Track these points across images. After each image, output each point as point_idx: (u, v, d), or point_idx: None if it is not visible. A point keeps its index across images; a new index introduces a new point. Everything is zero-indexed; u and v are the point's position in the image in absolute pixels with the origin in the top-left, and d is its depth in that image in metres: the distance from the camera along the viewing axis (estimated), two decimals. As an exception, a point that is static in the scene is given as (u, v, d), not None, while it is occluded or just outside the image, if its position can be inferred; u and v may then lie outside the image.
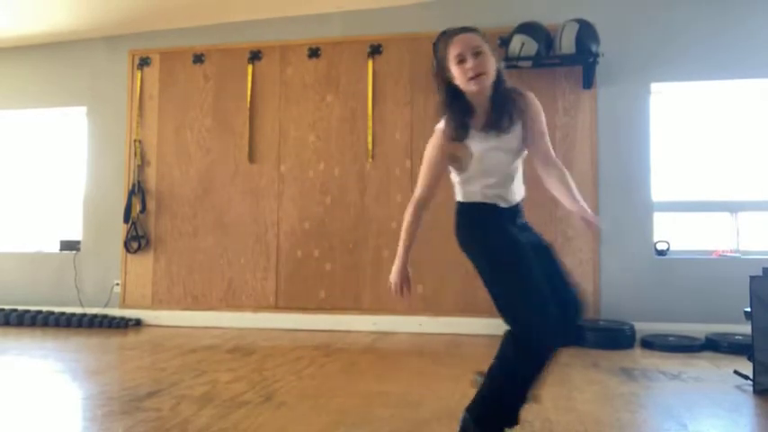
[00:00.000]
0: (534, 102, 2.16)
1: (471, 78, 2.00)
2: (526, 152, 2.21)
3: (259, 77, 5.32)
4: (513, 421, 2.12)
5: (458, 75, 2.03)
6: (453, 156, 2.13)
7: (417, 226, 2.26)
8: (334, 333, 4.79)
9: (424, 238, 5.02)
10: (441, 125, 2.13)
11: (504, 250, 2.08)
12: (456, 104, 2.08)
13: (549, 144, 2.20)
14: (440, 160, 2.17)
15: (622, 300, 4.60)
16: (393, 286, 2.17)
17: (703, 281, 4.51)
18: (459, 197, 2.25)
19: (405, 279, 2.19)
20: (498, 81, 2.09)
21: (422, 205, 2.25)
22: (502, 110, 2.08)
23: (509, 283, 2.05)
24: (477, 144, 2.08)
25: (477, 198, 2.17)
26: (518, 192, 2.26)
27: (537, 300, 1.97)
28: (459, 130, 2.06)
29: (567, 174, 2.16)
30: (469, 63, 2.01)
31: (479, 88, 2.03)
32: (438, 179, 2.21)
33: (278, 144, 5.23)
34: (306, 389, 3.08)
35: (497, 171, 2.14)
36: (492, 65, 2.05)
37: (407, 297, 2.18)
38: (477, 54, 2.02)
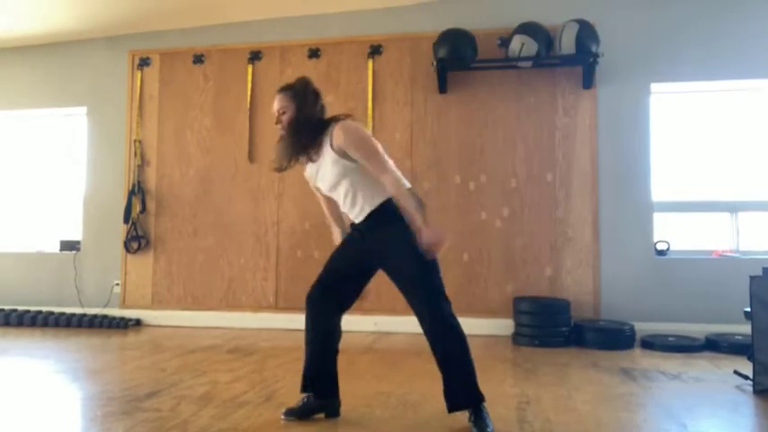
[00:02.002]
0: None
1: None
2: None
3: (259, 77, 5.32)
4: None
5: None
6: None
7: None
8: (335, 333, 4.79)
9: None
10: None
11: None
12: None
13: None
14: None
15: (622, 300, 4.61)
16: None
17: (703, 281, 4.52)
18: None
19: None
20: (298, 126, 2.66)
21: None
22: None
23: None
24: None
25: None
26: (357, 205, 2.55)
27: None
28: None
29: None
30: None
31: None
32: None
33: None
34: (306, 389, 3.08)
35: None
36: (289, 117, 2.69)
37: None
38: (283, 113, 2.71)
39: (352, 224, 2.61)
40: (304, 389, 2.56)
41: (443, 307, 2.43)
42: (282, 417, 2.53)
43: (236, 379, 3.26)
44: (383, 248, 2.48)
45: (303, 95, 2.68)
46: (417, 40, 5.02)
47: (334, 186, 2.54)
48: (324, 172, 2.56)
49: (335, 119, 2.57)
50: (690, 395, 3.02)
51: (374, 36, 5.13)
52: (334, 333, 2.65)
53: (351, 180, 2.49)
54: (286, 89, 2.75)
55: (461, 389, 2.38)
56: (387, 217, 2.46)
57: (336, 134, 2.48)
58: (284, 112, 2.69)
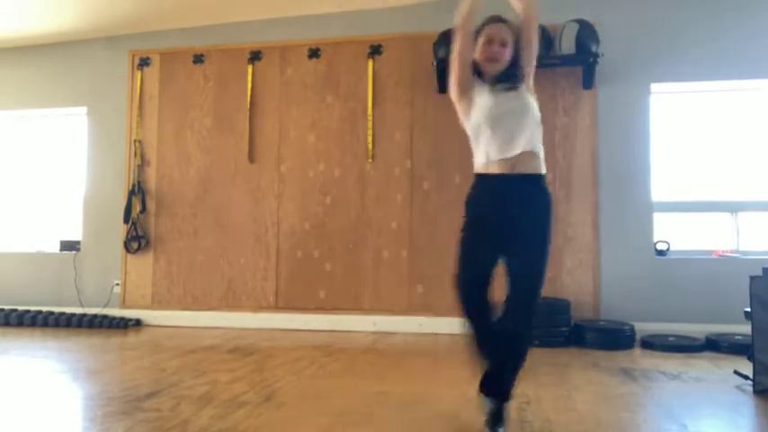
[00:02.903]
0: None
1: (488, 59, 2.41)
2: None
3: (259, 78, 5.32)
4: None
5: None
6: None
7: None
8: (335, 333, 4.79)
9: (425, 238, 5.03)
10: None
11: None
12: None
13: None
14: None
15: (622, 300, 4.60)
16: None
17: (703, 281, 4.51)
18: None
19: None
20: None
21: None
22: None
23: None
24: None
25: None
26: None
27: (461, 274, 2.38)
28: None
29: None
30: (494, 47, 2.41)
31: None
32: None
33: (278, 144, 5.23)
34: (306, 389, 3.08)
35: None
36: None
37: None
38: (503, 45, 2.42)
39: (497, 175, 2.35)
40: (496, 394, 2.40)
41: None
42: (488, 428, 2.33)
43: (236, 379, 3.26)
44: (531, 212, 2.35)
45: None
46: (417, 40, 5.02)
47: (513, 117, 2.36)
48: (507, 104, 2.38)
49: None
50: (690, 395, 3.02)
51: (374, 36, 5.13)
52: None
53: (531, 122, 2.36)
54: (506, 22, 2.51)
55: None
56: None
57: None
58: (504, 45, 2.43)
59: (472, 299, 2.37)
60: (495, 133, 2.34)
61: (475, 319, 2.38)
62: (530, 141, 2.33)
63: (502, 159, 2.32)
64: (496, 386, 2.36)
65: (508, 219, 2.31)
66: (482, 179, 2.41)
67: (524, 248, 2.31)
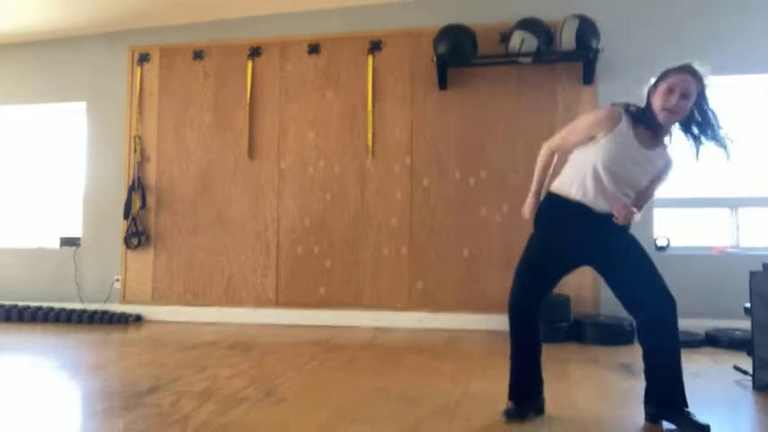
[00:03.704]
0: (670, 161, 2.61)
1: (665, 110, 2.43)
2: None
3: (259, 74, 5.31)
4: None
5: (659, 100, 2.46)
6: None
7: (550, 166, 2.70)
8: (335, 329, 4.80)
9: (425, 235, 5.02)
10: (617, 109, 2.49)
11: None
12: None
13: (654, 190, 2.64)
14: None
15: (622, 296, 4.60)
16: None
17: (703, 277, 4.51)
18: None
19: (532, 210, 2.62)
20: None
21: (555, 151, 2.71)
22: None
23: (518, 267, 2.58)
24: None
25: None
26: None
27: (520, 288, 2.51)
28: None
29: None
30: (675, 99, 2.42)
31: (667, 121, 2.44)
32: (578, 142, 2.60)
33: (278, 141, 5.23)
34: (306, 385, 3.09)
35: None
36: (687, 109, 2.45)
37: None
38: (684, 96, 2.44)
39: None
40: (519, 401, 2.50)
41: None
42: (504, 419, 2.42)
43: (237, 375, 3.27)
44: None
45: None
46: (417, 36, 5.01)
47: (640, 182, 2.53)
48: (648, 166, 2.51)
49: None
50: (689, 390, 3.02)
51: (374, 32, 5.12)
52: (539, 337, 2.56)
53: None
54: (698, 76, 2.56)
55: None
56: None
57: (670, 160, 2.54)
58: (687, 98, 2.47)
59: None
60: (611, 184, 2.47)
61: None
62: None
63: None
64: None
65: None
66: (568, 204, 2.50)
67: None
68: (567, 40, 4.50)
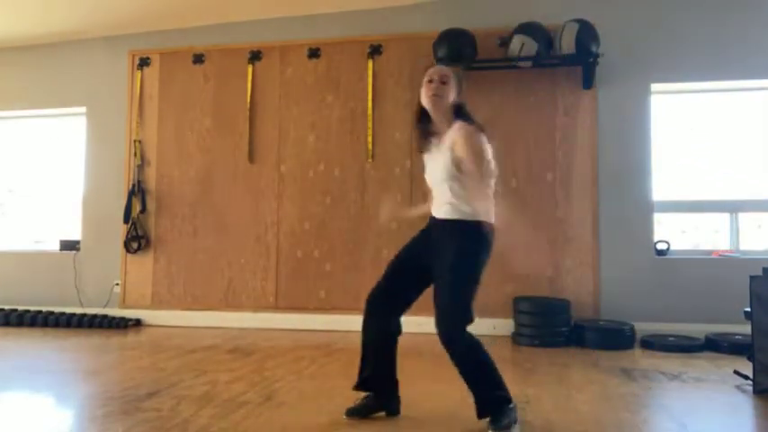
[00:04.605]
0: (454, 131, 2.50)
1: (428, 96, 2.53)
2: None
3: (259, 78, 5.32)
4: None
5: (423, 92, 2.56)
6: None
7: None
8: (334, 333, 4.79)
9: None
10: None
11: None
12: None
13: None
14: None
15: (622, 300, 4.60)
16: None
17: (703, 281, 4.51)
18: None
19: None
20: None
21: None
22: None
23: None
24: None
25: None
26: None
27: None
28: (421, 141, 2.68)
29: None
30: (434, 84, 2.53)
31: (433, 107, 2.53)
32: None
33: (278, 144, 5.23)
34: (306, 389, 3.08)
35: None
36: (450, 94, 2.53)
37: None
38: (443, 83, 2.54)
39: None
40: (363, 388, 2.60)
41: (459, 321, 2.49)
42: (345, 417, 2.54)
43: (236, 379, 3.26)
44: (441, 249, 2.50)
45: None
46: (417, 40, 5.02)
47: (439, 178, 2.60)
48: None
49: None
50: (690, 395, 3.02)
51: (374, 36, 5.13)
52: (394, 333, 2.70)
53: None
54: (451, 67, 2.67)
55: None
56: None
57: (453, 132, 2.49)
58: (444, 82, 2.57)
59: None
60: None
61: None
62: None
63: None
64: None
65: None
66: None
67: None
68: (567, 44, 4.51)
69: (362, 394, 2.61)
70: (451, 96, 2.55)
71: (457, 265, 2.43)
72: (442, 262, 2.46)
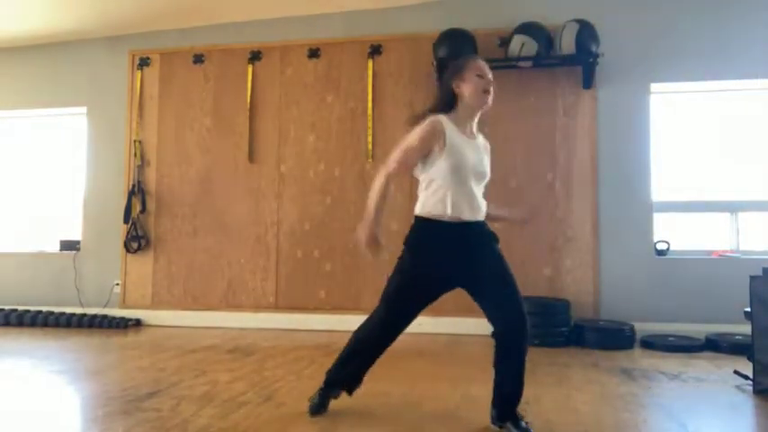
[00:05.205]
0: None
1: (486, 92, 2.41)
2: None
3: (259, 78, 5.32)
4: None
5: (473, 86, 2.41)
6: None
7: (390, 193, 2.51)
8: (334, 333, 4.78)
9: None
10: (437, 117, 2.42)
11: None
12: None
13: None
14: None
15: (622, 300, 4.60)
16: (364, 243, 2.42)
17: (703, 281, 4.51)
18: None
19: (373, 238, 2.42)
20: None
21: (395, 176, 2.50)
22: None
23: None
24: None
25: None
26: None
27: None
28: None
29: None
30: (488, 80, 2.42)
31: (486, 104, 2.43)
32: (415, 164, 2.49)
33: (278, 144, 5.23)
34: (306, 389, 3.08)
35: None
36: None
37: (375, 255, 2.43)
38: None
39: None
40: (350, 391, 2.61)
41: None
42: (311, 416, 2.55)
43: (236, 379, 3.26)
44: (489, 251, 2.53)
45: None
46: (417, 40, 5.02)
47: (487, 171, 2.57)
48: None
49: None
50: (690, 395, 3.02)
51: (374, 36, 5.13)
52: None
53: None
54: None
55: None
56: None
57: None
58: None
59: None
60: (474, 187, 2.46)
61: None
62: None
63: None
64: None
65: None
66: (442, 226, 2.40)
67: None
68: (567, 44, 4.51)
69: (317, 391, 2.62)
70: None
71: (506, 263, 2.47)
72: (495, 263, 2.45)
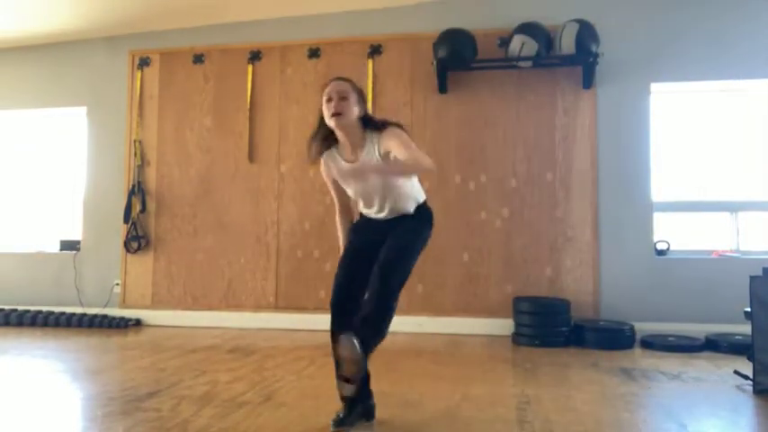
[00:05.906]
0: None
1: (332, 116, 2.50)
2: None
3: (259, 77, 5.32)
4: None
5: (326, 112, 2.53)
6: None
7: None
8: (334, 333, 4.79)
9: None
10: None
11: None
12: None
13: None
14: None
15: (622, 300, 4.60)
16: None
17: (703, 281, 4.51)
18: None
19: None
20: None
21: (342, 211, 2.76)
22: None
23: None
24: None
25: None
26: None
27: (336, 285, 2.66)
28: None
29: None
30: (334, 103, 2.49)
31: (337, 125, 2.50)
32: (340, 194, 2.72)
33: (278, 144, 5.23)
34: (306, 389, 3.08)
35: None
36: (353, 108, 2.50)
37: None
38: (342, 98, 2.48)
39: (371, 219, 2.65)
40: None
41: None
42: (333, 429, 2.41)
43: (236, 379, 3.26)
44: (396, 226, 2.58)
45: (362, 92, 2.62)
46: (417, 41, 5.02)
47: (377, 186, 2.53)
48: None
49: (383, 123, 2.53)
50: (690, 395, 3.02)
51: (374, 36, 5.13)
52: None
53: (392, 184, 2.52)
54: (346, 79, 2.62)
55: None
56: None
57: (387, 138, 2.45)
58: (344, 98, 2.51)
59: None
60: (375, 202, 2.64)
61: None
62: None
63: None
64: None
65: None
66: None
67: None
68: (567, 44, 4.51)
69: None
70: (356, 111, 2.50)
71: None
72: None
